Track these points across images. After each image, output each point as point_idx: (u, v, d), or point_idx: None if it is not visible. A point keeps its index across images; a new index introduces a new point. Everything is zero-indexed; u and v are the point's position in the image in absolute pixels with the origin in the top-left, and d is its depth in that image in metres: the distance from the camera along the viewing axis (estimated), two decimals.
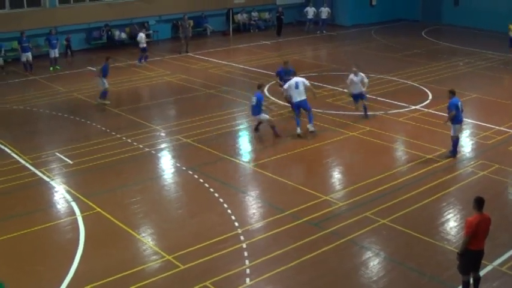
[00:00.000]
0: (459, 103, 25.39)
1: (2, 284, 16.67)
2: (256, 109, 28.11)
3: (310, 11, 58.87)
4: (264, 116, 28.31)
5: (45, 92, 37.80)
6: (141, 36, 46.05)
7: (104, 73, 35.02)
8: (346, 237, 19.35)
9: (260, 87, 29.27)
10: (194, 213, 21.64)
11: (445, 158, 25.82)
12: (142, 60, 45.72)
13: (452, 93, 25.72)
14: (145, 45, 45.91)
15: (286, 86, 29.50)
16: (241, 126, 30.32)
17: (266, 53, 49.27)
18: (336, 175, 24.91)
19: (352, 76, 30.38)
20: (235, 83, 39.25)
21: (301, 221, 20.42)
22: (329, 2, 60.74)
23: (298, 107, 28.84)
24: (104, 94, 34.81)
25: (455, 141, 25.97)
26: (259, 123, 28.72)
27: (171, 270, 17.78)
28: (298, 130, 28.28)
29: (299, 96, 28.58)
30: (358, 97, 30.77)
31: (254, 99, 28.07)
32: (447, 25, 61.02)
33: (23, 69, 43.90)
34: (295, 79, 29.13)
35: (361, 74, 30.45)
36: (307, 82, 29.17)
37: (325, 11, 58.40)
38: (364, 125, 29.69)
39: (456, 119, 25.44)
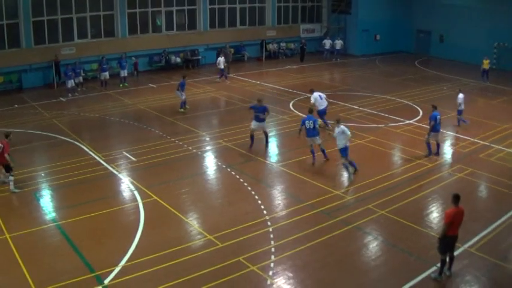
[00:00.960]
0: (438, 116, 25.71)
1: None
2: (314, 131, 25.63)
3: (327, 42, 58.84)
4: (318, 139, 25.89)
5: (116, 103, 38.02)
6: (219, 60, 46.59)
7: (182, 87, 35.47)
8: (352, 224, 19.37)
9: (312, 111, 26.52)
10: (231, 202, 21.67)
11: (424, 157, 26.39)
12: (222, 77, 46.38)
13: (434, 107, 26.13)
14: (222, 67, 46.23)
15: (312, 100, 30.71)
16: (270, 133, 30.30)
17: (291, 75, 49.18)
18: (345, 174, 24.76)
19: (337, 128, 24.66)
20: (266, 98, 39.01)
21: (316, 210, 20.40)
22: (342, 36, 60.70)
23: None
24: (182, 104, 35.32)
25: (428, 145, 26.56)
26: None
27: (211, 247, 17.88)
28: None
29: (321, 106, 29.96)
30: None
31: (311, 122, 25.60)
32: (435, 57, 60.53)
33: (99, 85, 44.23)
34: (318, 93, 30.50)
35: (342, 126, 24.23)
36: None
37: (339, 43, 58.35)
38: (369, 135, 29.57)
39: (434, 128, 26.08)
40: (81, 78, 43.44)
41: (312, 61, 56.87)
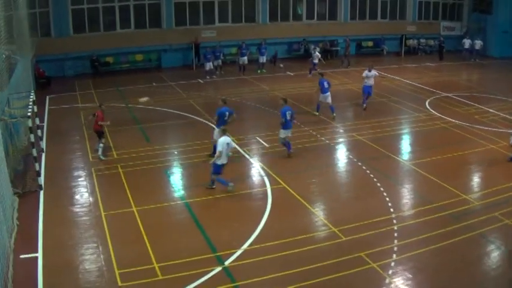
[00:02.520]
0: None
1: None
2: (290, 123, 25.62)
3: (467, 42, 57.11)
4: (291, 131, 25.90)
5: (253, 88, 38.67)
6: (316, 54, 45.74)
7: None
8: (477, 230, 18.77)
9: (286, 101, 26.13)
10: (358, 197, 21.65)
11: None
12: (313, 72, 44.19)
13: None
14: (316, 61, 45.17)
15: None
16: (405, 131, 29.99)
17: (429, 73, 48.19)
18: (475, 179, 24.18)
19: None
20: (403, 95, 38.65)
21: (444, 213, 19.98)
22: (483, 36, 58.89)
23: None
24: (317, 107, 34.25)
25: None
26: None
27: (335, 240, 17.92)
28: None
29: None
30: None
31: (289, 113, 25.34)
32: None
33: (237, 70, 45.05)
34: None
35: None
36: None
37: (478, 43, 56.46)
38: (502, 140, 28.19)
39: None
40: (220, 62, 44.48)
41: (451, 60, 55.40)
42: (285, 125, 25.30)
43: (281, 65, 46.12)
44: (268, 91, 38.58)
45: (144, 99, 29.85)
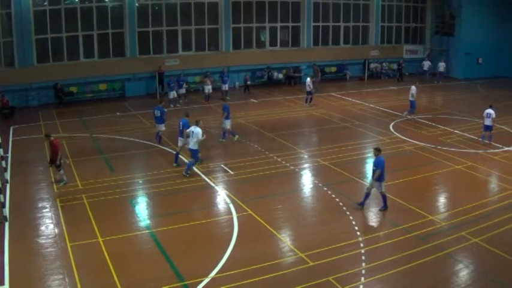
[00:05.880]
0: None
1: None
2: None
3: (426, 64, 58.10)
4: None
5: (217, 116, 38.48)
6: (308, 80, 43.84)
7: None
8: (445, 250, 18.88)
9: (188, 115, 28.89)
10: (325, 221, 21.58)
11: None
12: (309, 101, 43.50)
13: None
14: (308, 89, 43.26)
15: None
16: (369, 155, 30.04)
17: (393, 96, 48.57)
18: (441, 200, 24.33)
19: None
20: (367, 119, 38.90)
21: (411, 235, 20.04)
22: (446, 58, 59.62)
23: None
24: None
25: None
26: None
27: (302, 265, 17.87)
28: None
29: None
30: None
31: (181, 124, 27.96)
32: None
33: (203, 99, 44.99)
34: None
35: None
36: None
37: (442, 65, 57.28)
38: (467, 160, 28.79)
39: None
40: (184, 90, 44.36)
41: (413, 82, 56.03)
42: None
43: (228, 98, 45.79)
44: (232, 119, 38.47)
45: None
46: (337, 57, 58.10)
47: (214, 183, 25.47)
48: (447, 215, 22.29)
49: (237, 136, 32.56)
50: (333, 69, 58.67)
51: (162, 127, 31.59)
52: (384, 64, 60.27)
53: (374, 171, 22.30)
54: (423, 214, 21.96)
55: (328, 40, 58.08)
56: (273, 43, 54.95)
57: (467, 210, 22.48)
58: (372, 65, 59.61)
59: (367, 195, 22.67)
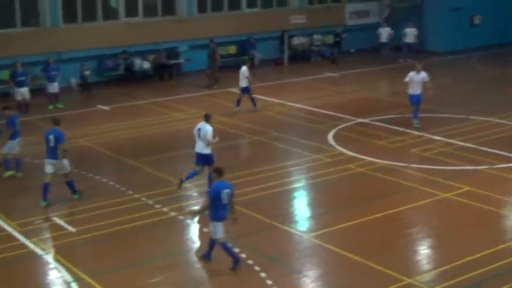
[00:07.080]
0: None
1: None
2: None
3: (384, 32, 58.88)
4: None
5: (39, 138, 37.72)
6: (243, 70, 43.39)
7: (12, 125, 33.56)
8: None
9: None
10: None
11: None
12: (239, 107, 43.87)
13: None
14: (245, 85, 43.31)
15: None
16: (297, 184, 30.12)
17: (331, 87, 49.19)
18: (423, 251, 24.53)
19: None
20: (291, 127, 39.21)
21: None
22: (416, 22, 60.04)
23: None
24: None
25: None
26: None
27: None
28: None
29: None
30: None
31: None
32: None
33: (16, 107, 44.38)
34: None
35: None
36: None
37: (410, 33, 57.76)
38: (462, 183, 29.13)
39: None
40: None
41: (364, 64, 56.91)
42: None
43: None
44: (69, 139, 37.99)
45: None
46: (237, 31, 58.61)
47: (42, 249, 24.87)
48: (435, 274, 22.33)
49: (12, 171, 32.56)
50: (232, 49, 59.00)
51: None
52: (314, 37, 60.82)
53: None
54: (394, 275, 21.94)
55: (223, 2, 58.20)
56: (131, 11, 54.58)
57: (468, 265, 22.52)
58: (296, 40, 60.23)
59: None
